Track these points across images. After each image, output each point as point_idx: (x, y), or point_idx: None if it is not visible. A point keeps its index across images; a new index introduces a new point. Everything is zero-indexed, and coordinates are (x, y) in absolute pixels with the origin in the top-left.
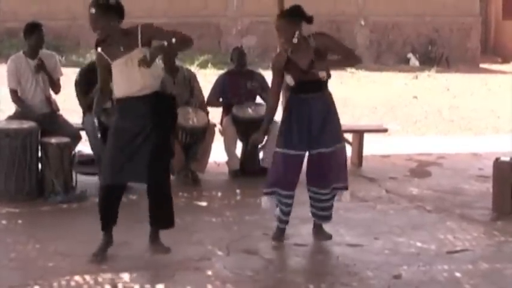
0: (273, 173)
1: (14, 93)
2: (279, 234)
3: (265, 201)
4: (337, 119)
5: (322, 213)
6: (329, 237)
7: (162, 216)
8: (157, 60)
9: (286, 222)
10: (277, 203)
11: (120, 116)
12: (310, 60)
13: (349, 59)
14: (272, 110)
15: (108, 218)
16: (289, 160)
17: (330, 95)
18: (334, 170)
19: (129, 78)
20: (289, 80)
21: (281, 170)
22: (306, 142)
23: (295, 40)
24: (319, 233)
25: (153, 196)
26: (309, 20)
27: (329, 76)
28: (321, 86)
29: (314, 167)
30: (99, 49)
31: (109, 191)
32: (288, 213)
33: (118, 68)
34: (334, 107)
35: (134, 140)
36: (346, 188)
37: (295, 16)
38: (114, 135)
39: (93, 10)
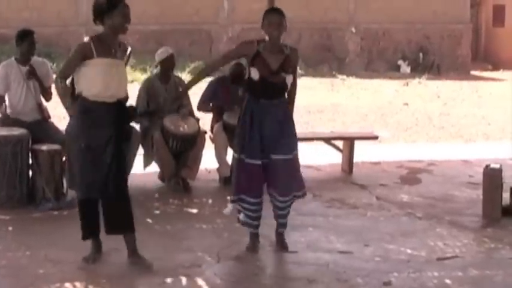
0: (237, 179)
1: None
2: (253, 242)
3: (229, 208)
4: (293, 126)
5: (280, 220)
6: (285, 248)
7: (122, 220)
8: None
9: (257, 226)
10: (241, 209)
11: (89, 123)
12: (281, 63)
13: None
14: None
15: (89, 228)
16: (250, 168)
17: (286, 103)
18: (294, 177)
19: (108, 81)
20: (253, 73)
21: (244, 178)
22: (264, 149)
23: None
24: (279, 241)
25: (116, 204)
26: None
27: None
28: (283, 91)
29: (274, 173)
30: (87, 38)
31: (86, 205)
32: (257, 218)
33: (99, 66)
34: (291, 114)
35: (104, 151)
36: (305, 194)
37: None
38: (85, 144)
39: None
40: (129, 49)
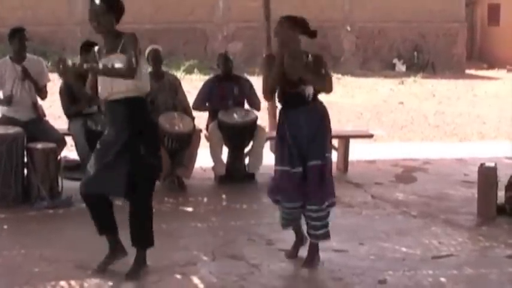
0: (274, 186)
1: None
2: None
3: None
4: (326, 133)
5: (315, 232)
6: (316, 264)
7: (138, 235)
8: (143, 64)
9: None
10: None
11: (105, 121)
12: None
13: (324, 82)
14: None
15: (98, 224)
16: (286, 176)
17: (318, 107)
18: (325, 184)
19: (102, 81)
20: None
21: (280, 186)
22: (299, 158)
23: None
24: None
25: (131, 213)
26: (312, 34)
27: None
28: (307, 101)
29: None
30: (96, 48)
31: (86, 200)
32: (293, 220)
33: None
34: (324, 119)
35: (109, 149)
36: (334, 204)
37: (296, 26)
38: (99, 141)
39: (97, 2)
40: (124, 36)
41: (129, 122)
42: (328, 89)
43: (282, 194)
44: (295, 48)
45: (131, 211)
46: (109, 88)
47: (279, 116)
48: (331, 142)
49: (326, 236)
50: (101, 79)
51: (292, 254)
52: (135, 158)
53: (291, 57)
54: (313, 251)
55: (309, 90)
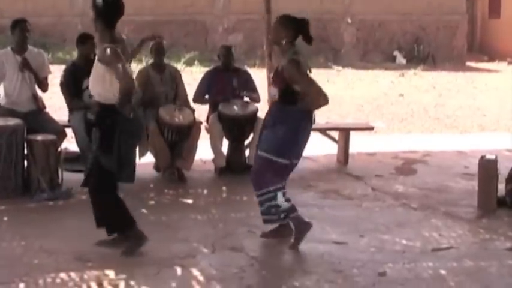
0: None
1: None
2: (279, 227)
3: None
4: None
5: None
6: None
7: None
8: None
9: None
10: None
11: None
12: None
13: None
14: None
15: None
16: (287, 168)
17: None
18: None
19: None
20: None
21: (280, 178)
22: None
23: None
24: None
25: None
26: (308, 40)
27: (285, 92)
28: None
29: None
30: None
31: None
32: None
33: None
34: (291, 121)
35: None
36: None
37: (289, 23)
38: None
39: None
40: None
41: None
42: (317, 104)
43: (281, 184)
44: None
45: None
46: (93, 89)
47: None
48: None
49: (269, 221)
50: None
51: (266, 235)
52: (93, 153)
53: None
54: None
55: (273, 91)
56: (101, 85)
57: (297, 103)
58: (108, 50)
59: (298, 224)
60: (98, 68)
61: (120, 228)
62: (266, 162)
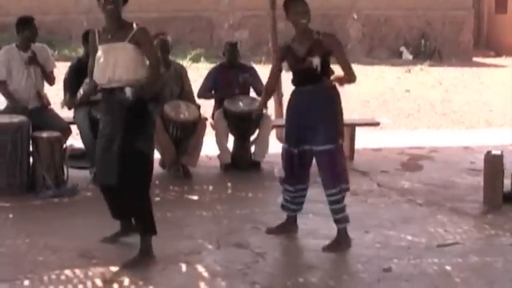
0: (282, 166)
1: (1, 84)
2: (282, 224)
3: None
4: (334, 117)
5: (333, 215)
6: (340, 249)
7: (136, 221)
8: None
9: (294, 210)
10: (283, 192)
11: (103, 109)
12: (307, 49)
13: (348, 74)
14: (266, 88)
15: (111, 210)
16: (286, 155)
17: (328, 89)
18: (335, 169)
19: (103, 67)
20: (284, 66)
21: (283, 165)
22: (299, 138)
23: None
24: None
25: (126, 200)
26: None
27: (327, 71)
28: (316, 76)
29: (318, 165)
30: (96, 29)
31: (102, 189)
32: (294, 203)
33: (99, 53)
34: (334, 103)
35: (103, 137)
36: (348, 189)
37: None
38: (99, 130)
39: None
40: (135, 28)
41: (126, 111)
42: (353, 80)
43: (285, 174)
44: (304, 27)
45: (126, 198)
46: (110, 74)
47: (290, 96)
48: (342, 127)
49: (343, 220)
50: (101, 64)
51: (272, 231)
52: (128, 148)
53: (299, 34)
54: (339, 236)
55: (316, 61)
56: (132, 65)
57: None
58: (143, 30)
59: (345, 232)
60: (127, 46)
61: (150, 229)
62: (341, 150)
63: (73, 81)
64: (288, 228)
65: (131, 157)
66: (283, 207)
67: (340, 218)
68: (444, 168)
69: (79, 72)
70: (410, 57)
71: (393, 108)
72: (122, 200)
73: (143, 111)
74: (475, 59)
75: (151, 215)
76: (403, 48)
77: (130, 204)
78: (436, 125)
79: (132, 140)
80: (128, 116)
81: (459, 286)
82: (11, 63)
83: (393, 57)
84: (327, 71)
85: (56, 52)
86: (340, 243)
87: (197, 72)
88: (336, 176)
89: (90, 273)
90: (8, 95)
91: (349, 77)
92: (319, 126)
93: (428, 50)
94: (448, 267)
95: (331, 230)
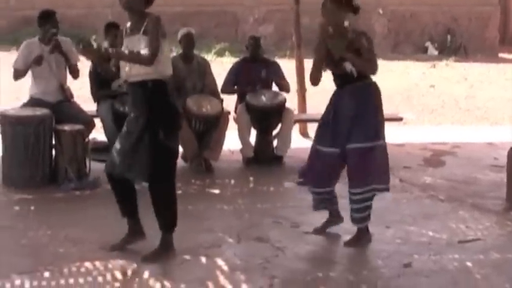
0: (306, 165)
1: (16, 72)
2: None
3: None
4: (374, 115)
5: (354, 214)
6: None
7: (161, 218)
8: (164, 47)
9: (324, 207)
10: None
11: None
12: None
13: (369, 65)
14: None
15: (120, 206)
16: (318, 154)
17: (365, 87)
18: (370, 168)
19: (123, 62)
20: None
21: (310, 165)
22: (336, 137)
23: (330, 30)
24: (353, 239)
25: (153, 197)
26: (356, 10)
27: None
28: (353, 78)
29: (347, 164)
30: (125, 25)
31: (110, 182)
32: (321, 202)
33: (122, 48)
34: (373, 100)
35: (132, 132)
36: (387, 190)
37: (343, 5)
38: (125, 124)
39: None
40: (147, 18)
41: (148, 105)
42: (370, 69)
43: (311, 175)
44: (339, 27)
45: (153, 195)
46: (127, 69)
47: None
48: (382, 124)
49: (362, 220)
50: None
51: (319, 231)
52: (153, 143)
53: (334, 36)
54: (359, 232)
55: (348, 66)
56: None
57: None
58: (155, 20)
59: (366, 229)
60: (134, 41)
61: (174, 224)
62: (384, 149)
63: (97, 74)
64: (335, 223)
65: (159, 153)
66: (316, 207)
67: (358, 217)
68: (467, 164)
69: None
70: (436, 52)
71: (417, 103)
72: (133, 195)
73: (166, 105)
74: (500, 55)
75: (176, 211)
76: (428, 44)
77: (158, 201)
78: (460, 121)
79: (157, 135)
80: (150, 111)
81: (479, 282)
82: (32, 56)
83: (418, 52)
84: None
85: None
86: (360, 238)
87: (221, 67)
88: (366, 176)
89: (110, 266)
90: (24, 72)
91: (369, 65)
92: (355, 125)
93: (454, 46)
94: (468, 264)
95: (351, 224)
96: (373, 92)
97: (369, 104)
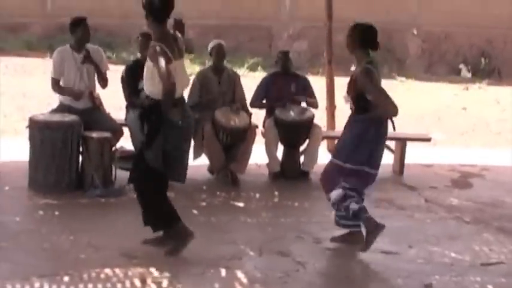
0: None
1: (55, 81)
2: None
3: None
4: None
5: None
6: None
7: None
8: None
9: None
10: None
11: None
12: (348, 85)
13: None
14: None
15: (171, 210)
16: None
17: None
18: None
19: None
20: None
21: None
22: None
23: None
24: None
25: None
26: (374, 47)
27: (358, 100)
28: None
29: None
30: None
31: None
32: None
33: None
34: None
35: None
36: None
37: (357, 32)
38: None
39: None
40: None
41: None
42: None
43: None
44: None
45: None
46: (145, 87)
47: None
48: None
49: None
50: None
51: (336, 239)
52: (140, 150)
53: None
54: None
55: (349, 101)
56: (150, 81)
57: (369, 112)
58: (151, 48)
59: (369, 225)
60: (148, 64)
61: (163, 226)
62: (335, 168)
63: (130, 80)
64: (350, 239)
65: (138, 158)
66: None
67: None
68: (494, 187)
69: (135, 73)
70: (469, 74)
71: (448, 125)
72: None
73: (158, 121)
74: None
75: (157, 216)
76: (462, 66)
77: (137, 196)
78: (490, 144)
79: (143, 150)
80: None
81: None
82: (64, 64)
83: (452, 74)
84: (365, 104)
85: (114, 55)
86: (347, 240)
87: (254, 81)
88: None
89: (129, 273)
90: (62, 92)
91: (385, 107)
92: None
93: (488, 69)
94: (490, 287)
95: (376, 243)
96: (362, 123)
97: (350, 130)
